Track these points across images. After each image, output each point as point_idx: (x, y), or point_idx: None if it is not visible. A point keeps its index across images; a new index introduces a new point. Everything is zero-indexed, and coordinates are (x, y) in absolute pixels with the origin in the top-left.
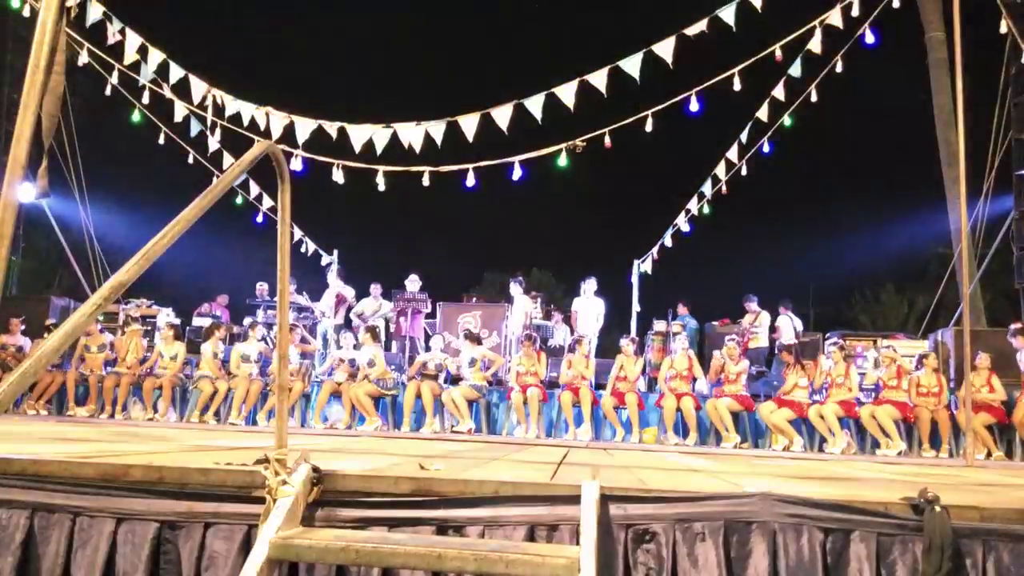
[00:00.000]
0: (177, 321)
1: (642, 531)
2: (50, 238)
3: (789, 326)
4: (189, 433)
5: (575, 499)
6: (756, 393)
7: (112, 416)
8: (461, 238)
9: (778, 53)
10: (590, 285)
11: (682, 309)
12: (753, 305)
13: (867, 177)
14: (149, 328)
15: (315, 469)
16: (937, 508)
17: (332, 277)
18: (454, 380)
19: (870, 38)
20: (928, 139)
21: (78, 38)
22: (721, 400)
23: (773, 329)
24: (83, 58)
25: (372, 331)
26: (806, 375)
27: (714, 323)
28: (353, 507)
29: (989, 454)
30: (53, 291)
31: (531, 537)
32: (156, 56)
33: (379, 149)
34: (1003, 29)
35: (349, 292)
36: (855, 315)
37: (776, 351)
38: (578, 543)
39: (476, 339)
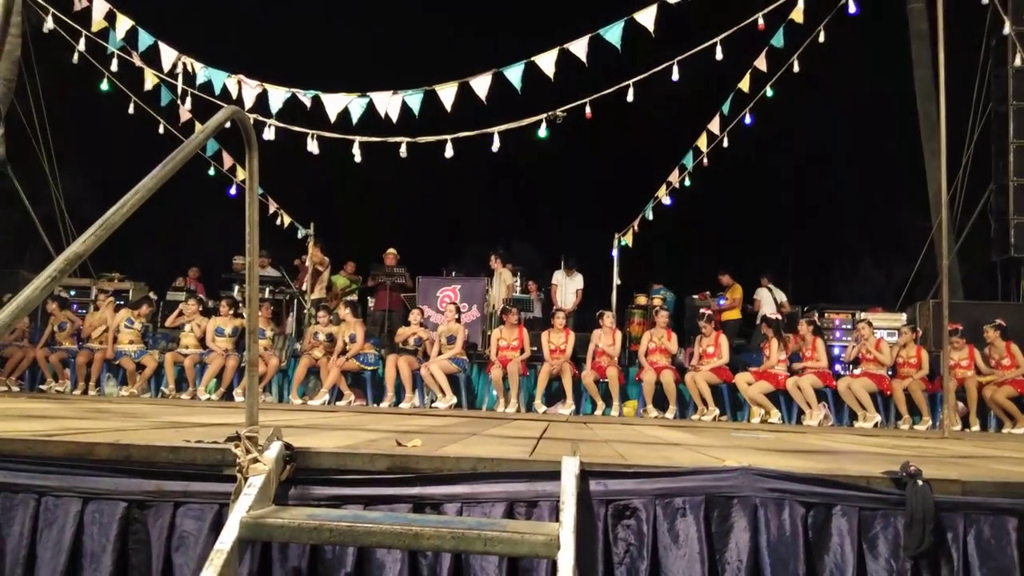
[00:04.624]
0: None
1: (622, 507)
2: (19, 210)
3: (769, 299)
4: (161, 409)
5: (555, 475)
6: (734, 366)
7: (85, 392)
8: (440, 210)
9: (760, 22)
10: (570, 259)
11: (655, 285)
12: (726, 279)
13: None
14: (122, 303)
15: (288, 446)
16: (919, 482)
17: (309, 250)
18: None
19: (852, 8)
20: (908, 110)
21: (43, 3)
22: (700, 373)
23: (751, 301)
24: (48, 24)
25: (352, 306)
26: (785, 348)
27: (694, 296)
28: (327, 485)
29: (965, 425)
30: (25, 266)
31: (510, 514)
32: (124, 23)
33: (355, 119)
34: (984, 0)
35: (326, 265)
36: (833, 287)
37: (759, 322)
38: (558, 519)
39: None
